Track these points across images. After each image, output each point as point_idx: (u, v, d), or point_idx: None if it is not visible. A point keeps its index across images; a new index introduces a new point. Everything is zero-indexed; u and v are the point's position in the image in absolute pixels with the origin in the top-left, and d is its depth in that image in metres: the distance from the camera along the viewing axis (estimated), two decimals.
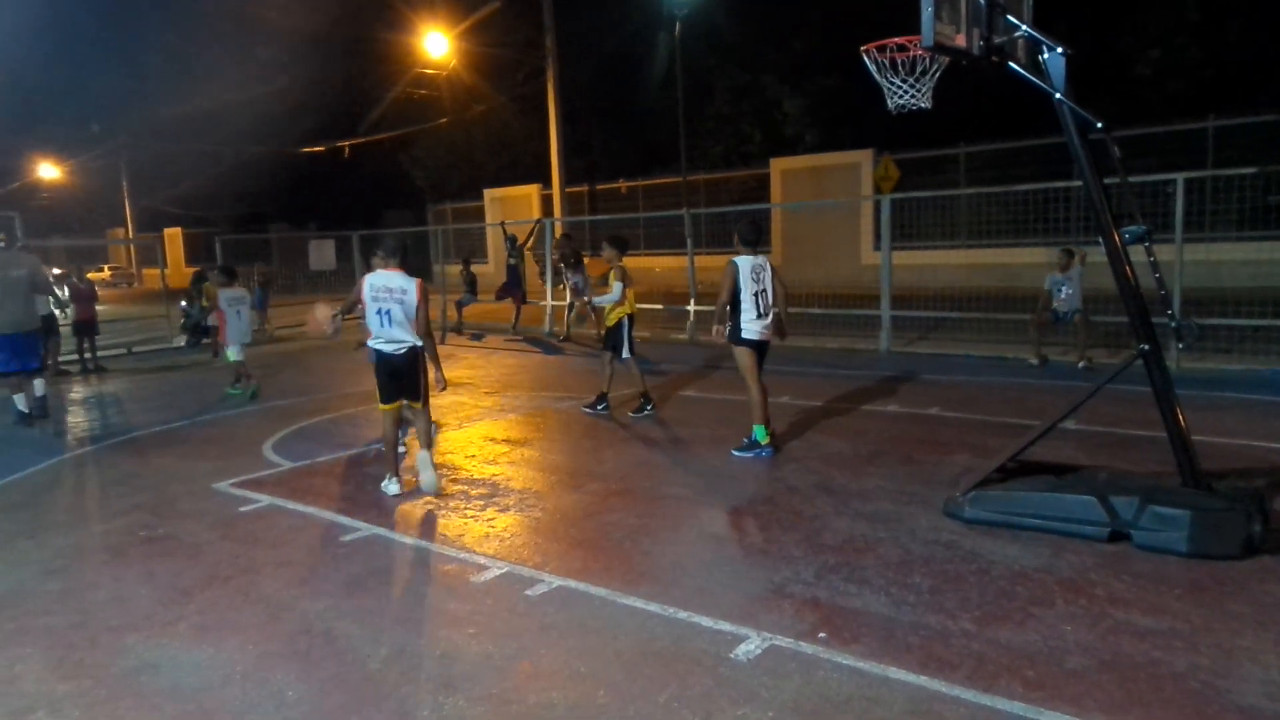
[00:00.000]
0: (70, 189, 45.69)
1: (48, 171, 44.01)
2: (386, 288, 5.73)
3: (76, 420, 9.45)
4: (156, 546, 5.22)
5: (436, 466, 6.11)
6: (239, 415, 9.10)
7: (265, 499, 6.05)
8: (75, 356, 12.81)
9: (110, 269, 43.82)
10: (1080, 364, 9.67)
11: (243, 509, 5.88)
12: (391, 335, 5.77)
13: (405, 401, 5.98)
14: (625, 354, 8.12)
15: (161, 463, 7.25)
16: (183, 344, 15.47)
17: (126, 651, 3.89)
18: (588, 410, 8.40)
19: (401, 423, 6.23)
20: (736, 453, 6.72)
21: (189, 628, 4.10)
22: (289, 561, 4.88)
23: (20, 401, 8.94)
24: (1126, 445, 6.51)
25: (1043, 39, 4.79)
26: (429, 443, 6.13)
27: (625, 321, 8.12)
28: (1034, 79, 4.85)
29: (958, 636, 3.70)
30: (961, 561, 4.50)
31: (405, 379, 5.89)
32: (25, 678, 3.69)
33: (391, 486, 6.01)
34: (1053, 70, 4.80)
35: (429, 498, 5.93)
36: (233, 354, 9.97)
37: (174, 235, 41.06)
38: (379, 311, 5.74)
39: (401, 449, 6.55)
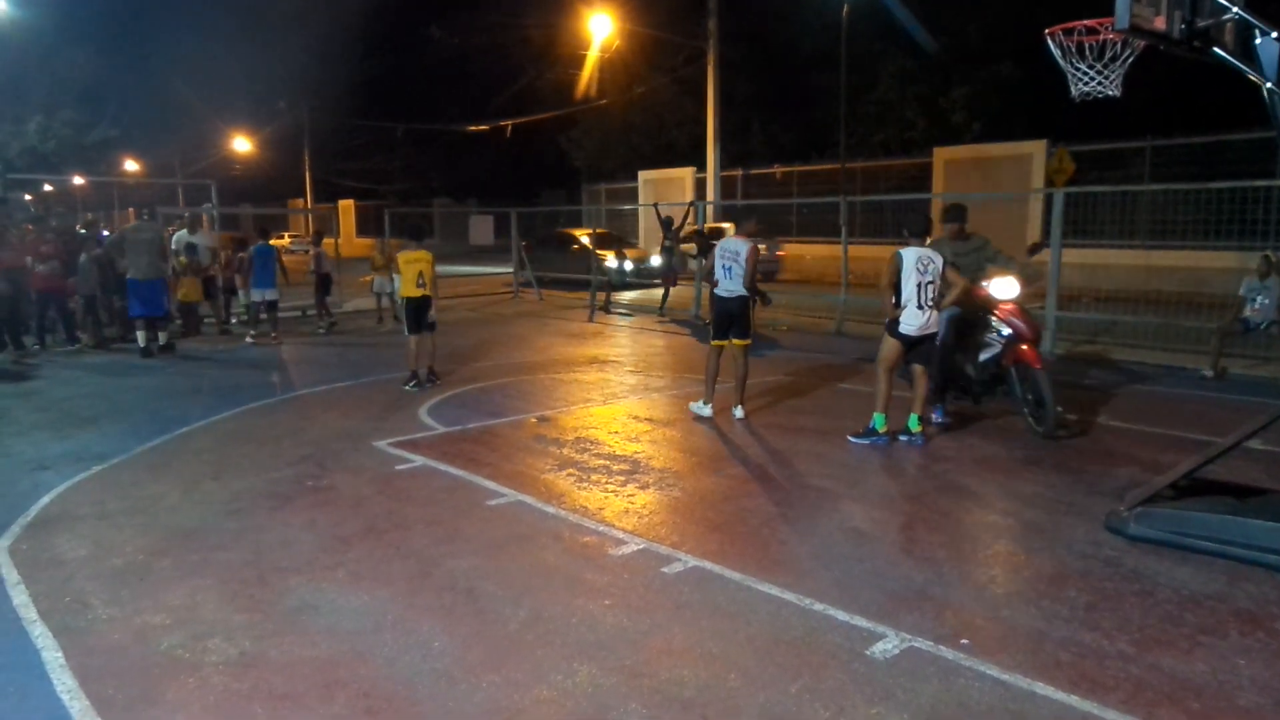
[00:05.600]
0: (258, 161, 49.12)
1: (240, 145, 47.49)
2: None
3: (255, 377, 10.23)
4: (320, 496, 5.59)
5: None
6: (398, 379, 9.59)
7: (419, 460, 6.36)
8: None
9: (290, 236, 46.95)
10: None
11: (398, 467, 6.20)
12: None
13: None
14: (406, 332, 9.07)
15: (328, 419, 7.74)
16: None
17: (291, 591, 4.18)
18: (409, 388, 8.94)
19: None
20: (853, 439, 6.76)
21: (346, 574, 4.37)
22: (438, 520, 5.12)
23: (141, 339, 11.37)
24: None
25: (1257, 22, 4.38)
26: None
27: (403, 303, 9.22)
28: (1243, 66, 4.44)
29: (1114, 658, 3.48)
30: (1122, 580, 4.23)
31: None
32: (205, 606, 4.03)
33: None
34: (1265, 58, 4.38)
35: (573, 470, 6.08)
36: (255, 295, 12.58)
37: (347, 207, 43.49)
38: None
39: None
